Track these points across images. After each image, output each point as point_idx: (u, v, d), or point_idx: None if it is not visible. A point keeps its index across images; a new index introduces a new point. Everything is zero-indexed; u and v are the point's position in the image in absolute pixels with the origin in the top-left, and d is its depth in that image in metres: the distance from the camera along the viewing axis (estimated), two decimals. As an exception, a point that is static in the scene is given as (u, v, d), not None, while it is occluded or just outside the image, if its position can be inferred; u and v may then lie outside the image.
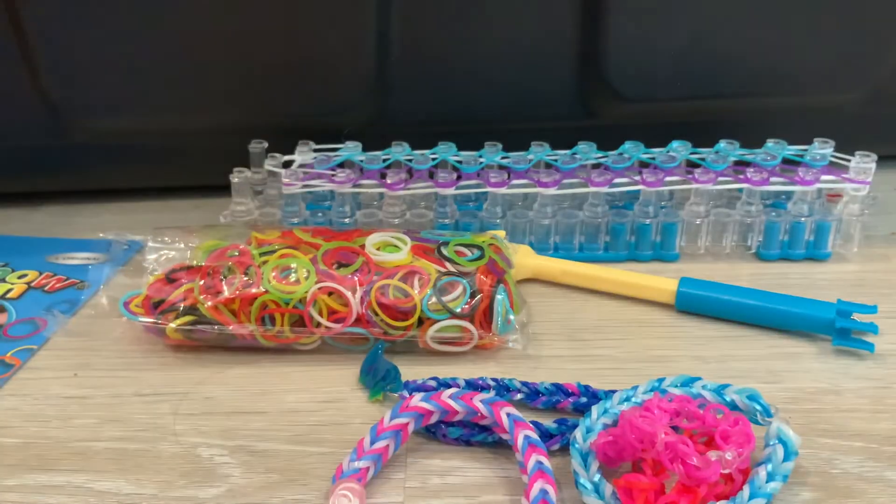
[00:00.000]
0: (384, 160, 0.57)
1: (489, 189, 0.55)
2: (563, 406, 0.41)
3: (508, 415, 0.38)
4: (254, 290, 0.44)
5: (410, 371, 0.44)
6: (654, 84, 0.63)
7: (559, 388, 0.42)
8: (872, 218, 0.57)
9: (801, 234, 0.55)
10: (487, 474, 0.38)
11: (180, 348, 0.47)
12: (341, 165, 0.57)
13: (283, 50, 0.60)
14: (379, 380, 0.43)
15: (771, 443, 0.36)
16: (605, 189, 0.54)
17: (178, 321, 0.45)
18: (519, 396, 0.42)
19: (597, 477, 0.35)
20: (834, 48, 0.63)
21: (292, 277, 0.45)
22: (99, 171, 0.65)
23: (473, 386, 0.43)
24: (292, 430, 0.41)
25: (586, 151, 0.58)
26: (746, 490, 0.34)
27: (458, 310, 0.45)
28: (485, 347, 0.46)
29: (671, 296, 0.50)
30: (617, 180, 0.55)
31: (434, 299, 0.45)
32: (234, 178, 0.57)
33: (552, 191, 0.55)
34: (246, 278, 0.45)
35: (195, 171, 0.66)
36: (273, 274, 0.45)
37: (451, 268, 0.46)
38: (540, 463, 0.35)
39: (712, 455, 0.33)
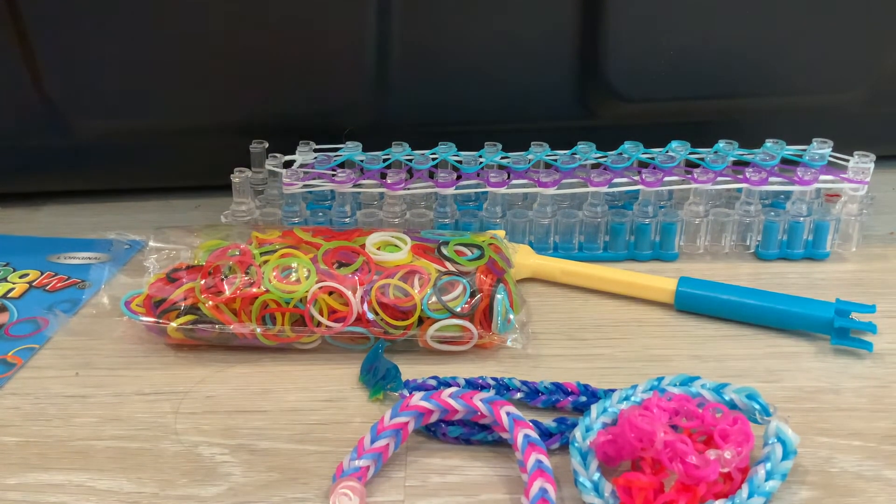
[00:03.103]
0: (384, 160, 0.57)
1: (489, 189, 0.55)
2: (562, 405, 0.42)
3: (508, 414, 0.38)
4: (254, 290, 0.45)
5: (410, 370, 0.44)
6: (654, 84, 0.63)
7: (559, 387, 0.42)
8: (871, 218, 0.57)
9: (799, 233, 0.55)
10: (487, 473, 0.38)
11: (181, 347, 0.47)
12: (342, 165, 0.57)
13: (283, 50, 0.60)
14: (379, 379, 0.43)
15: (770, 442, 0.36)
16: (605, 189, 0.55)
17: (180, 320, 0.45)
18: (519, 395, 0.42)
19: (596, 475, 0.35)
20: (832, 48, 0.63)
21: (293, 277, 0.45)
22: (100, 170, 0.65)
23: (473, 385, 0.43)
24: (293, 429, 0.41)
25: (586, 151, 0.58)
26: (745, 489, 0.34)
27: (458, 309, 0.45)
28: (485, 347, 0.46)
29: (670, 295, 0.50)
30: (616, 180, 0.55)
31: (434, 299, 0.45)
32: (235, 178, 0.57)
33: (552, 191, 0.55)
34: (247, 278, 0.45)
35: (196, 170, 0.66)
36: (274, 273, 0.45)
37: (451, 267, 0.47)
38: (539, 462, 0.36)
39: (711, 454, 0.34)
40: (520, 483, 0.37)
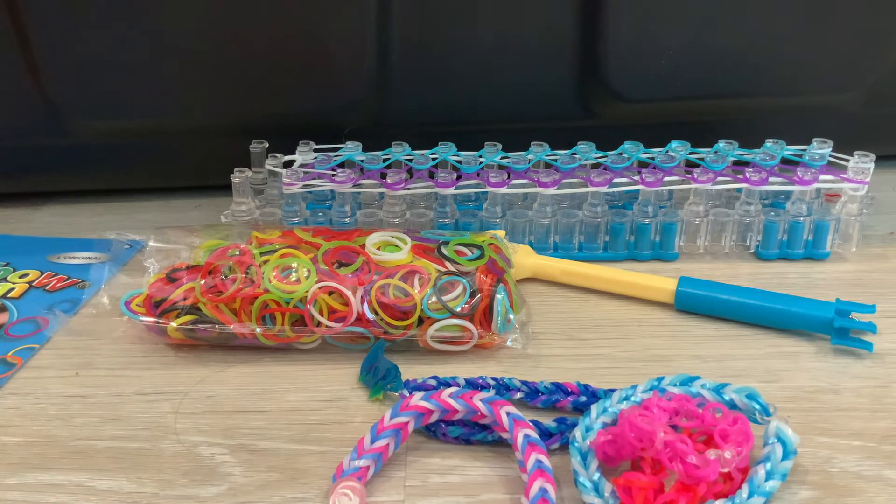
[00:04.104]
0: (384, 160, 0.57)
1: (489, 189, 0.55)
2: (562, 405, 0.42)
3: (508, 414, 0.38)
4: (255, 290, 0.45)
5: (410, 370, 0.44)
6: (654, 84, 0.63)
7: (559, 387, 0.42)
8: (871, 218, 0.57)
9: (799, 233, 0.55)
10: (487, 473, 0.38)
11: (181, 347, 0.47)
12: (342, 165, 0.57)
13: (283, 50, 0.60)
14: (379, 379, 0.43)
15: (770, 441, 0.36)
16: (605, 189, 0.55)
17: (180, 320, 0.45)
18: (518, 395, 0.42)
19: (596, 475, 0.35)
20: (833, 48, 0.63)
21: (293, 277, 0.45)
22: (100, 170, 0.66)
23: (473, 385, 0.43)
24: (293, 429, 0.41)
25: (586, 151, 0.58)
26: (745, 489, 0.34)
27: (458, 309, 0.45)
28: (485, 347, 0.46)
29: (670, 295, 0.50)
30: (616, 180, 0.55)
31: (434, 298, 0.45)
32: (235, 178, 0.57)
33: (552, 191, 0.55)
34: (247, 277, 0.45)
35: (196, 170, 0.66)
36: (274, 273, 0.45)
37: (451, 267, 0.47)
38: (539, 462, 0.36)
39: (711, 454, 0.34)
40: (520, 483, 0.37)
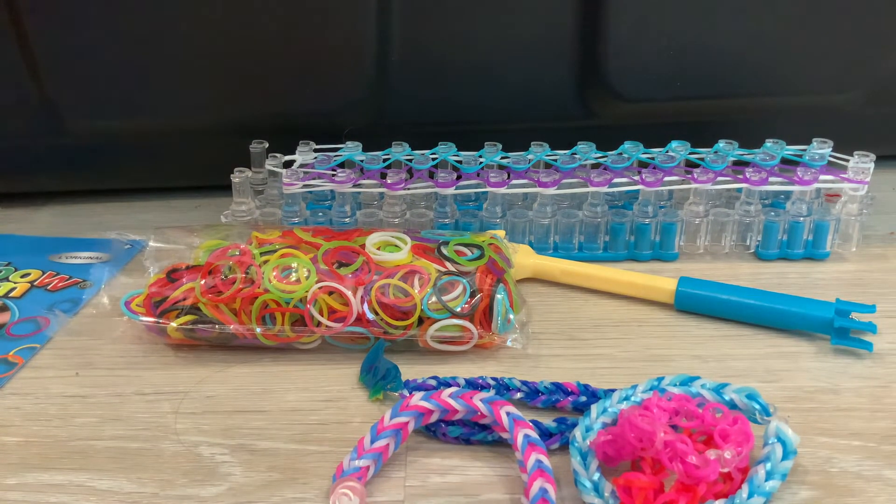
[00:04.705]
0: (384, 160, 0.57)
1: (489, 189, 0.55)
2: (562, 405, 0.42)
3: (508, 414, 0.38)
4: (255, 290, 0.45)
5: (410, 370, 0.44)
6: (654, 84, 0.63)
7: (559, 387, 0.42)
8: (871, 218, 0.57)
9: (799, 233, 0.55)
10: (487, 473, 0.38)
11: (181, 347, 0.47)
12: (342, 165, 0.57)
13: (283, 50, 0.60)
14: (379, 379, 0.43)
15: (770, 442, 0.36)
16: (605, 189, 0.55)
17: (179, 320, 0.45)
18: (518, 395, 0.42)
19: (596, 475, 0.35)
20: (833, 48, 0.63)
21: (293, 277, 0.45)
22: (100, 170, 0.66)
23: (473, 385, 0.43)
24: (293, 429, 0.41)
25: (586, 151, 0.58)
26: (745, 489, 0.34)
27: (458, 309, 0.45)
28: (485, 347, 0.46)
29: (670, 295, 0.50)
30: (616, 180, 0.55)
31: (434, 298, 0.45)
32: (235, 178, 0.57)
33: (552, 191, 0.55)
34: (247, 277, 0.45)
35: (196, 170, 0.66)
36: (274, 273, 0.45)
37: (451, 267, 0.47)
38: (539, 462, 0.36)
39: (711, 454, 0.34)
40: (520, 483, 0.37)
